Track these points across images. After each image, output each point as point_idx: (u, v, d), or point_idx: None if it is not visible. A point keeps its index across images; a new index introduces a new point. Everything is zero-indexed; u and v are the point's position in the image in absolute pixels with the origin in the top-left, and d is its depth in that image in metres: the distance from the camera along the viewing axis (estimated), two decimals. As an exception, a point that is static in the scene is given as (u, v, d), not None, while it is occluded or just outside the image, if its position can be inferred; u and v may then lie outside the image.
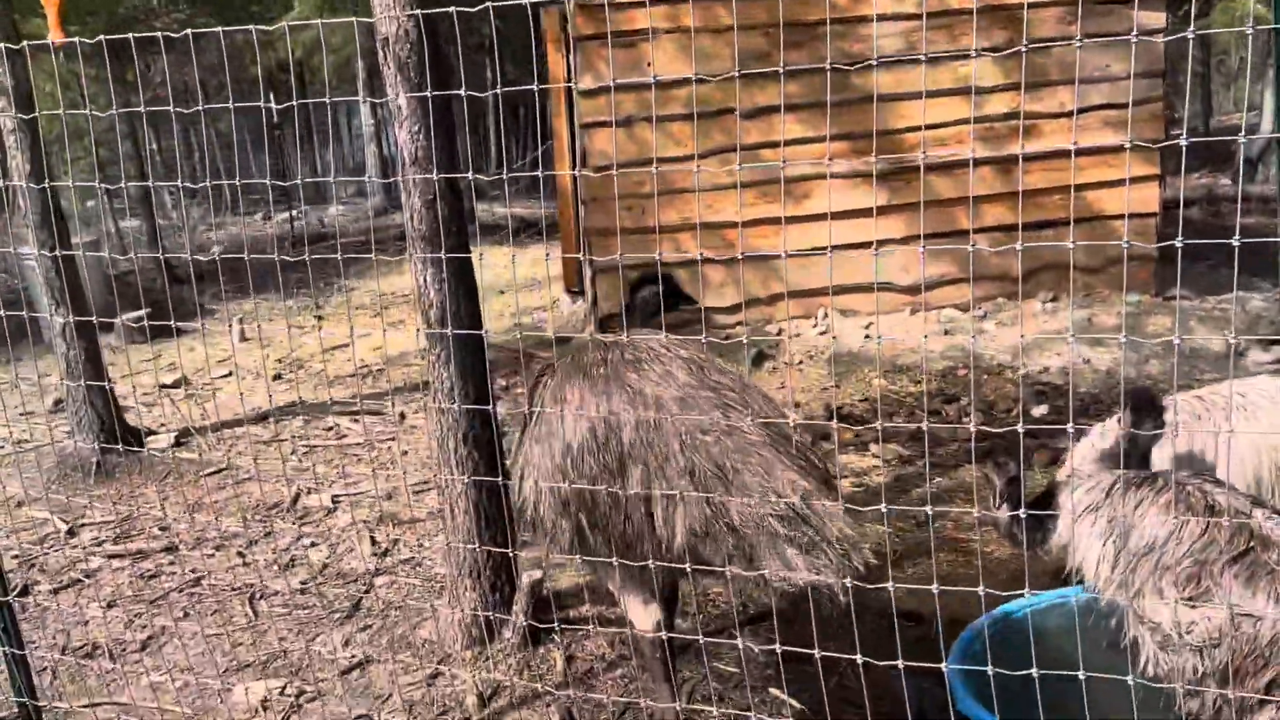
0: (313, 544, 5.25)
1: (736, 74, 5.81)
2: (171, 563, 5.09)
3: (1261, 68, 16.81)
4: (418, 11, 3.62)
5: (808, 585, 2.77)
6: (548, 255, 11.15)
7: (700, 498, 2.79)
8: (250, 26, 3.09)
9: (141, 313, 9.49)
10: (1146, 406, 3.43)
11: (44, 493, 6.01)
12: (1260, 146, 14.46)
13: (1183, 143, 1.97)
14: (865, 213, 8.37)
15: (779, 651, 2.74)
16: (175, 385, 8.32)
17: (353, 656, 4.11)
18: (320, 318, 10.89)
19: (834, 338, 8.28)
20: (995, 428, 2.80)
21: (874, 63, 8.06)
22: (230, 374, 8.57)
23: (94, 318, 6.73)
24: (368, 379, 8.42)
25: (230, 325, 10.06)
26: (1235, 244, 2.06)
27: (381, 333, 9.54)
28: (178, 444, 6.85)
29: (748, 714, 3.30)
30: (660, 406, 2.88)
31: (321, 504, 5.73)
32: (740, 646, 2.91)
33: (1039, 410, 6.56)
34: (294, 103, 3.20)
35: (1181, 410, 3.94)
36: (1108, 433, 4.09)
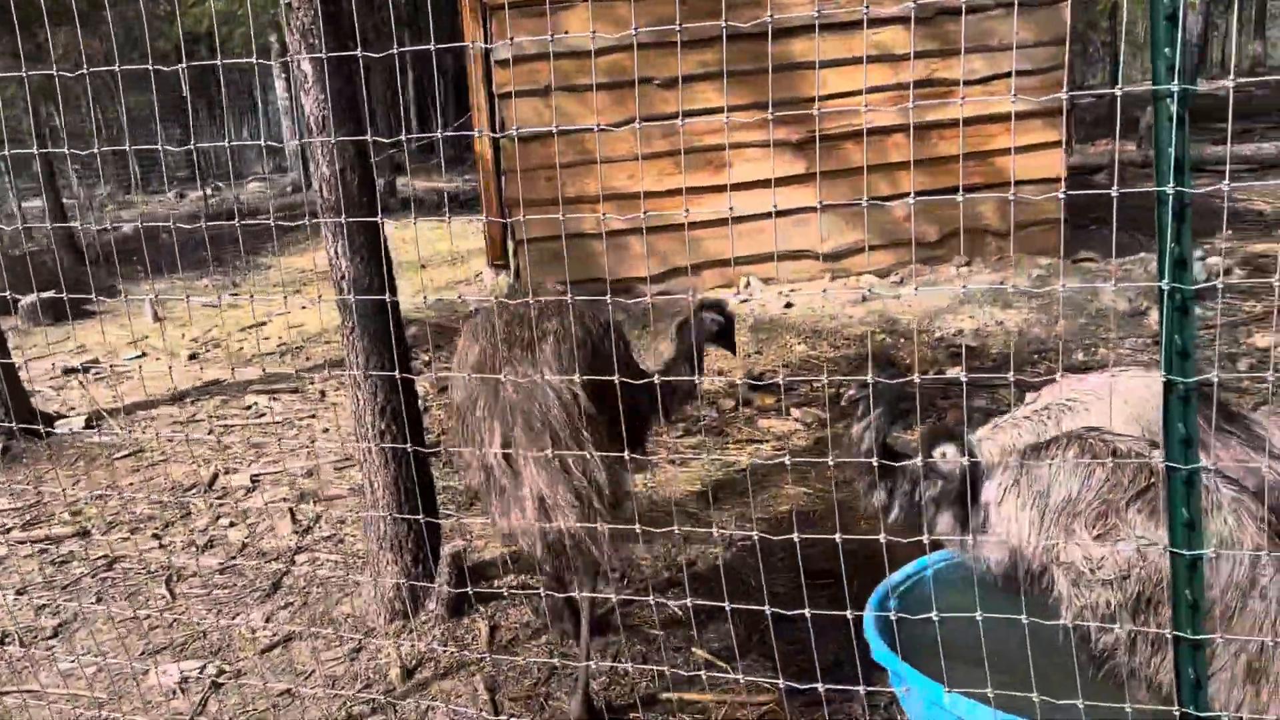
0: (231, 524, 5.17)
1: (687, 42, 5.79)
2: (84, 548, 4.97)
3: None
4: (320, -24, 3.55)
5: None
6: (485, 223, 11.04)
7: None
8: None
9: (40, 296, 9.18)
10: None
11: (-54, 481, 5.81)
12: (1164, 112, 14.91)
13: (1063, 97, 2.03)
14: (784, 181, 8.45)
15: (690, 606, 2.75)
16: (84, 369, 8.08)
17: (274, 634, 4.07)
18: (237, 295, 10.65)
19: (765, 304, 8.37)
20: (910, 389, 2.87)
21: (818, 23, 8.11)
22: (143, 355, 8.35)
23: (-6, 299, 6.49)
24: (287, 356, 8.28)
25: (145, 305, 9.79)
26: (1113, 193, 2.13)
27: (300, 308, 9.36)
28: (89, 427, 6.66)
29: (675, 672, 3.36)
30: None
31: (240, 484, 5.64)
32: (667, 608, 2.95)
33: (952, 371, 6.72)
34: (183, 65, 3.11)
35: (1022, 425, 4.15)
36: (999, 427, 4.25)
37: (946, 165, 8.73)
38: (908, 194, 8.64)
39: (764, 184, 8.56)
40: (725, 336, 3.99)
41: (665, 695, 3.50)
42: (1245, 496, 2.80)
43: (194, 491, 5.58)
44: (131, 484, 5.77)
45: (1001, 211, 8.79)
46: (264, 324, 9.33)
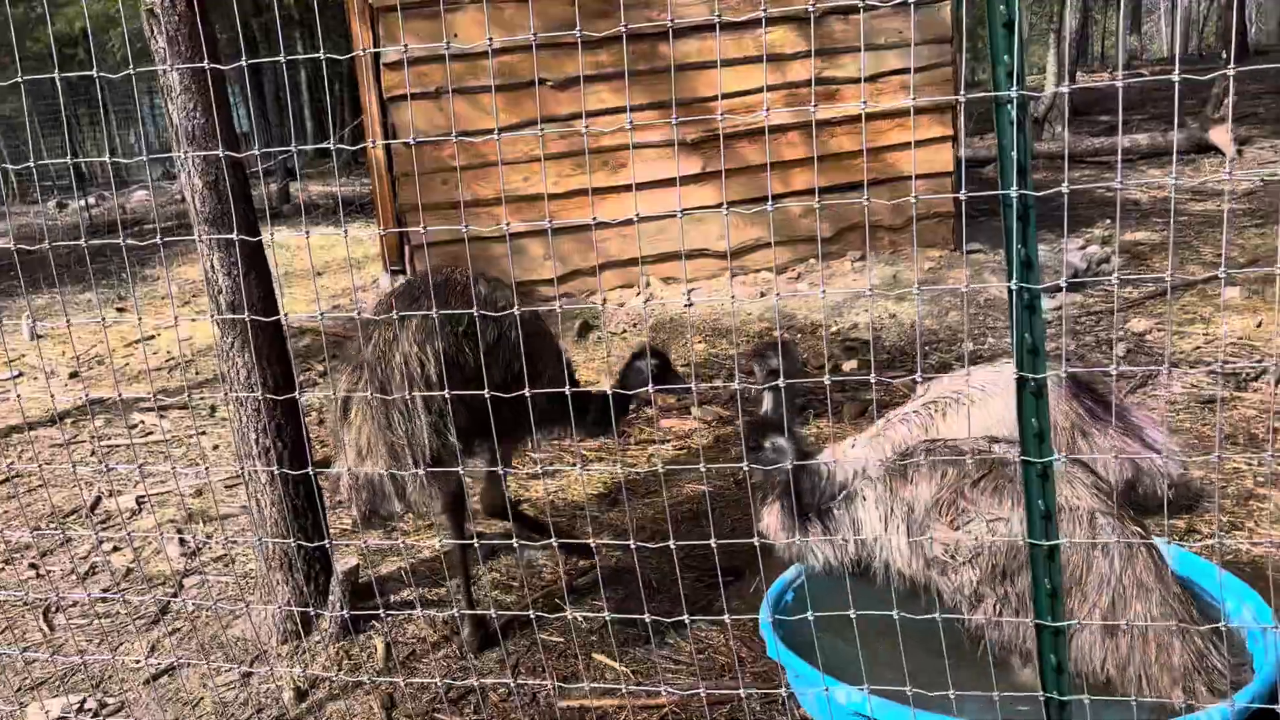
0: (115, 549, 4.97)
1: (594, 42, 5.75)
2: (-46, 582, 4.72)
3: (1047, 31, 17.93)
4: (184, -19, 3.43)
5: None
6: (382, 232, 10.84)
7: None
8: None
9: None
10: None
11: None
12: (1045, 106, 15.45)
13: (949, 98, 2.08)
14: (682, 180, 8.49)
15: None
16: (-43, 390, 7.69)
17: (159, 663, 3.93)
18: (123, 309, 10.27)
19: (663, 303, 8.40)
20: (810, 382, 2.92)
21: (717, 25, 8.15)
22: (20, 375, 7.99)
23: None
24: (176, 372, 8.01)
25: (21, 323, 9.36)
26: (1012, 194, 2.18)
27: (190, 321, 9.06)
28: (-40, 454, 6.34)
29: (575, 684, 3.34)
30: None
31: (125, 506, 5.43)
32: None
33: (849, 365, 6.85)
34: (58, 74, 2.98)
35: (911, 421, 4.29)
36: (890, 422, 4.38)
37: (840, 162, 8.89)
38: (801, 191, 8.78)
39: (662, 184, 8.59)
40: (664, 378, 4.18)
41: (564, 704, 3.49)
42: (1076, 466, 2.99)
43: (74, 517, 5.36)
44: (5, 512, 5.51)
45: (894, 207, 8.99)
46: (152, 338, 9.01)
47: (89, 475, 5.86)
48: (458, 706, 3.53)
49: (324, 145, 2.68)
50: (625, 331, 8.05)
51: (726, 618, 2.80)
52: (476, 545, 4.54)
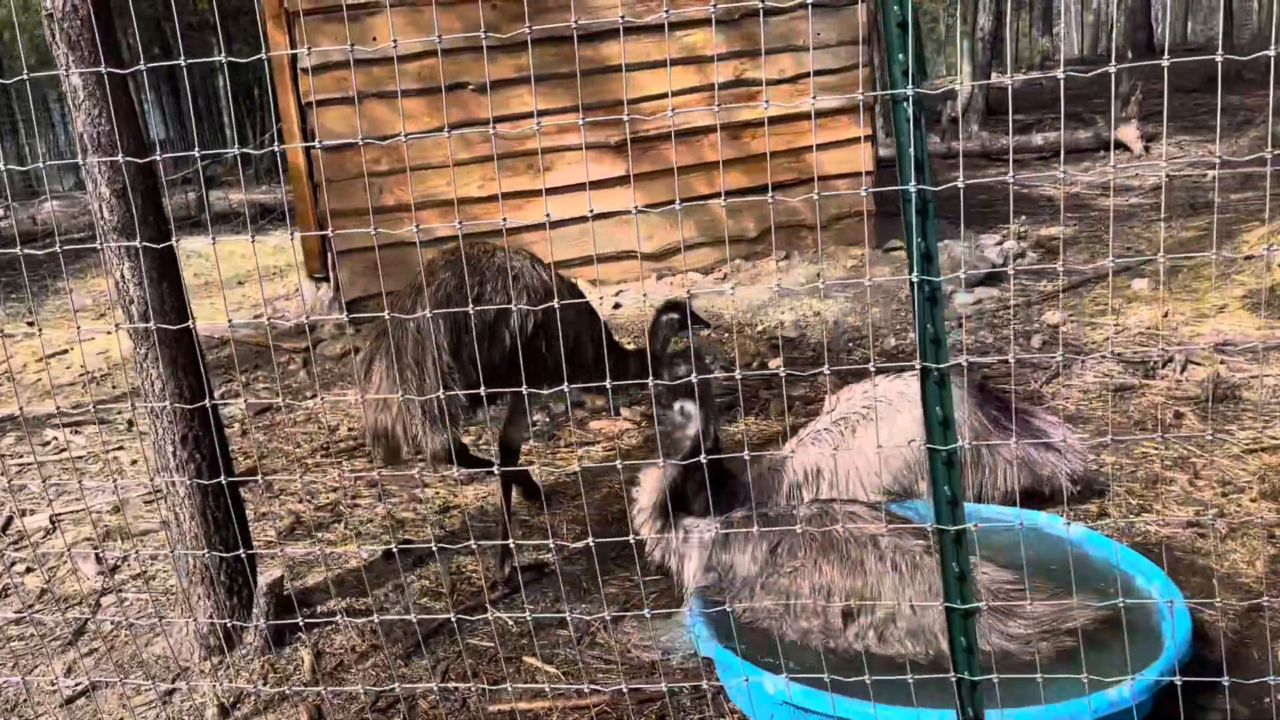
0: (29, 569, 4.82)
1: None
2: None
3: (963, 33, 18.33)
4: (85, -16, 3.35)
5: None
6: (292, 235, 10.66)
7: None
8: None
9: None
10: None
11: None
12: (962, 105, 15.81)
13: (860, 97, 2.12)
14: (605, 183, 8.52)
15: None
16: None
17: (77, 684, 3.82)
18: (34, 322, 9.94)
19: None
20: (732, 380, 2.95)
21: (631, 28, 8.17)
22: (-75, 393, 7.69)
23: None
24: (91, 386, 7.79)
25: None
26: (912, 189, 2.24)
27: (106, 334, 8.82)
28: None
29: (502, 686, 3.34)
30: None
31: (38, 526, 5.27)
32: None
33: (775, 362, 6.94)
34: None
35: (822, 437, 4.40)
36: (802, 442, 4.49)
37: (761, 163, 8.99)
38: (726, 192, 8.85)
39: (585, 186, 8.60)
40: (685, 325, 4.43)
41: (494, 708, 3.48)
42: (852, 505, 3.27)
43: (-15, 538, 5.18)
44: (-88, 535, 5.30)
45: (812, 206, 9.12)
46: (65, 352, 8.75)
47: (0, 494, 5.67)
48: (386, 715, 3.50)
49: (222, 151, 2.64)
50: (553, 334, 8.03)
51: (647, 612, 2.81)
52: (396, 552, 4.51)
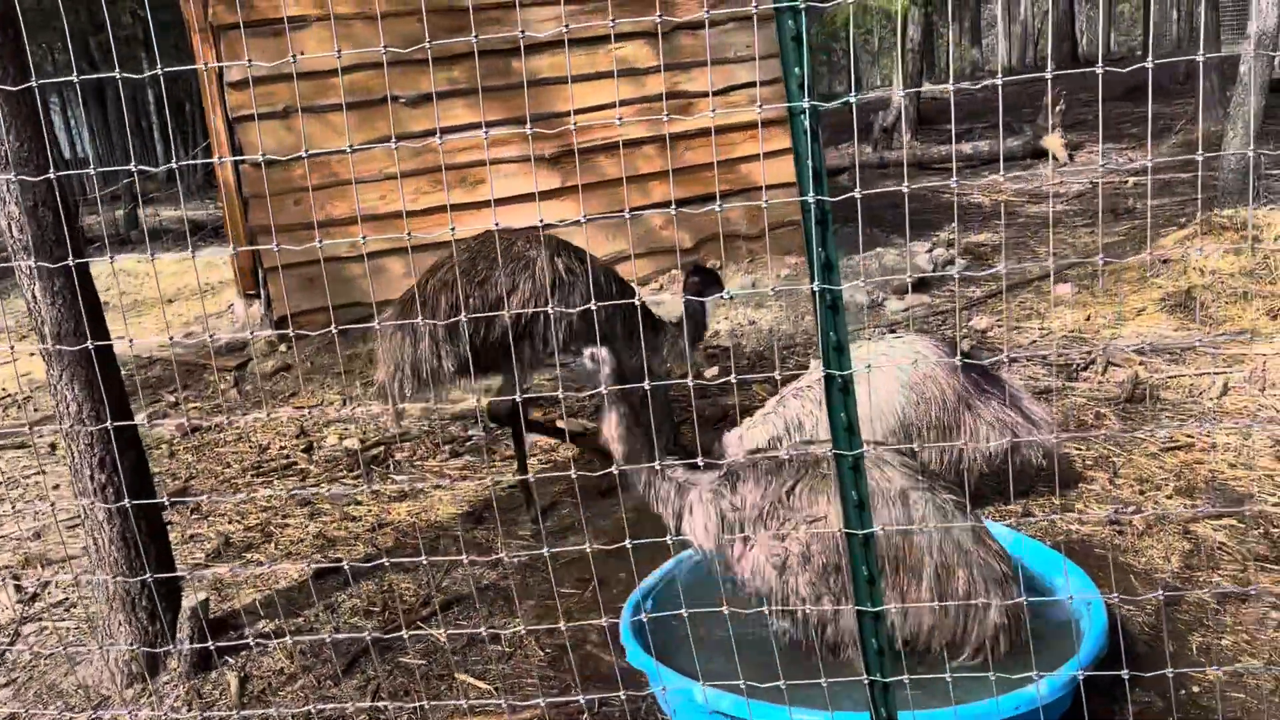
0: (-56, 600, 4.67)
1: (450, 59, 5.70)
2: None
3: (894, 46, 18.64)
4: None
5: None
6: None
7: None
8: None
9: None
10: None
11: None
12: (893, 117, 16.08)
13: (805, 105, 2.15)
14: (542, 195, 8.51)
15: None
16: None
17: (-7, 717, 3.71)
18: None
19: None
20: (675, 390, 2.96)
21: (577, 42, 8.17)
22: None
23: None
24: (12, 409, 7.59)
25: None
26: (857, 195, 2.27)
27: (30, 355, 8.59)
28: None
29: (437, 704, 3.30)
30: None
31: (-45, 554, 5.11)
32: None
33: (710, 371, 6.98)
34: None
35: (766, 420, 4.46)
36: (748, 434, 4.51)
37: (696, 174, 9.06)
38: (660, 204, 8.90)
39: (521, 199, 8.59)
40: (712, 285, 4.94)
41: (426, 725, 3.45)
42: (884, 451, 3.15)
43: (-102, 569, 5.01)
44: None
45: (750, 216, 9.21)
46: (-15, 375, 8.50)
47: (-86, 524, 5.49)
48: (315, 737, 3.45)
49: (145, 169, 2.60)
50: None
51: (563, 625, 2.81)
52: (346, 567, 4.46)
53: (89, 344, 3.21)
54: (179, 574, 4.03)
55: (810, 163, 1.72)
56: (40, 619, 4.42)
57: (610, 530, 4.73)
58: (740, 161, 9.14)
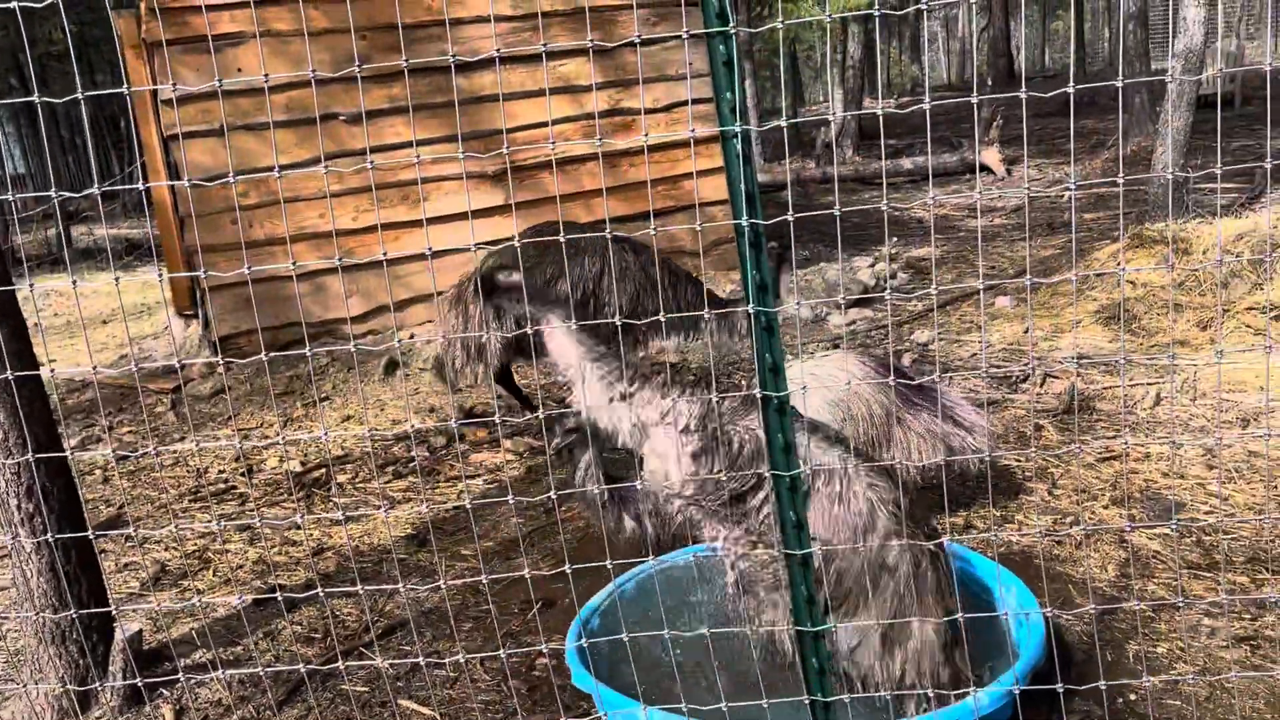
0: None
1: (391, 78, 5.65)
2: None
3: (837, 61, 18.91)
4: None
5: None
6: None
7: None
8: None
9: None
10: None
11: None
12: (835, 132, 16.29)
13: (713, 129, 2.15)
14: (483, 212, 8.48)
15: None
16: None
17: (-86, 759, 3.58)
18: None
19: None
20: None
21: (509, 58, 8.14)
22: None
23: None
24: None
25: None
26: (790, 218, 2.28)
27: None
28: None
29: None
30: None
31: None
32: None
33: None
34: None
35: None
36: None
37: (639, 190, 9.08)
38: (603, 220, 8.91)
39: (464, 216, 8.55)
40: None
41: (368, 755, 3.38)
42: (880, 483, 3.09)
43: None
44: None
45: (693, 232, 9.24)
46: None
47: None
48: (254, 770, 3.37)
49: (70, 195, 2.54)
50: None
51: (502, 653, 2.78)
52: (280, 598, 4.37)
53: (8, 373, 3.12)
54: (109, 610, 3.92)
55: (743, 186, 1.72)
56: (-35, 654, 4.27)
57: (558, 550, 4.71)
58: (684, 178, 9.18)
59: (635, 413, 3.14)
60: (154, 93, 7.85)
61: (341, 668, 2.92)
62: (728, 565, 3.11)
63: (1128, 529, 4.25)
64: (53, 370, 2.74)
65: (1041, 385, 6.10)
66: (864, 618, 2.85)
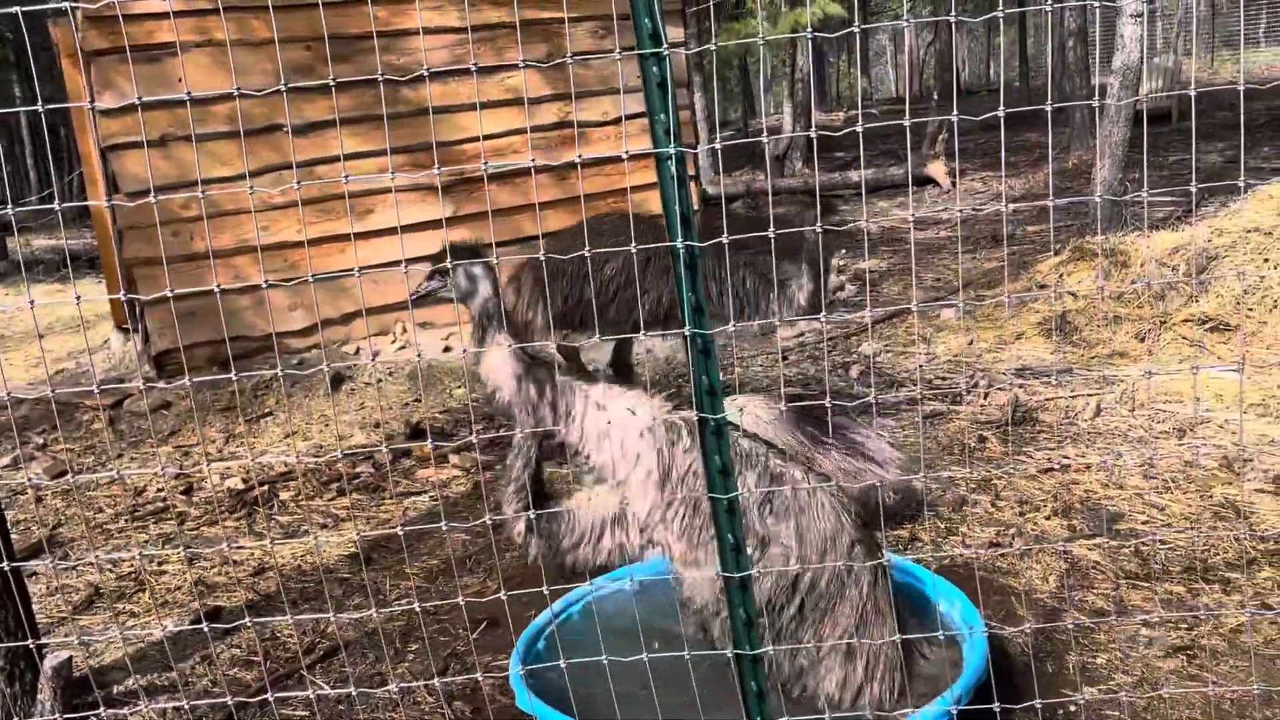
0: None
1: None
2: None
3: (786, 75, 19.08)
4: None
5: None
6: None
7: None
8: None
9: None
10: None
11: None
12: (785, 144, 16.42)
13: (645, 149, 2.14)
14: (430, 225, 8.41)
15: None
16: None
17: None
18: None
19: (419, 353, 8.24)
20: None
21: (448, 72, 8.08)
22: None
23: None
24: None
25: None
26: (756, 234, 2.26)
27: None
28: None
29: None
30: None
31: None
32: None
33: (605, 402, 6.95)
34: None
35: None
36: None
37: (590, 203, 9.07)
38: (553, 232, 8.89)
39: (413, 228, 8.48)
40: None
41: (307, 782, 3.31)
42: (842, 498, 3.12)
43: None
44: None
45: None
46: None
47: None
48: (188, 801, 3.28)
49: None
50: (382, 381, 7.83)
51: (437, 682, 2.74)
52: (207, 629, 4.27)
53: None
54: (50, 632, 3.80)
55: (678, 208, 1.71)
56: (-114, 685, 4.11)
57: (506, 568, 4.65)
58: (636, 190, 9.19)
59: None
60: (91, 103, 7.68)
61: (271, 698, 2.85)
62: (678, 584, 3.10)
63: (1060, 547, 4.31)
64: (45, 380, 2.65)
65: (985, 397, 6.17)
66: (830, 626, 2.87)
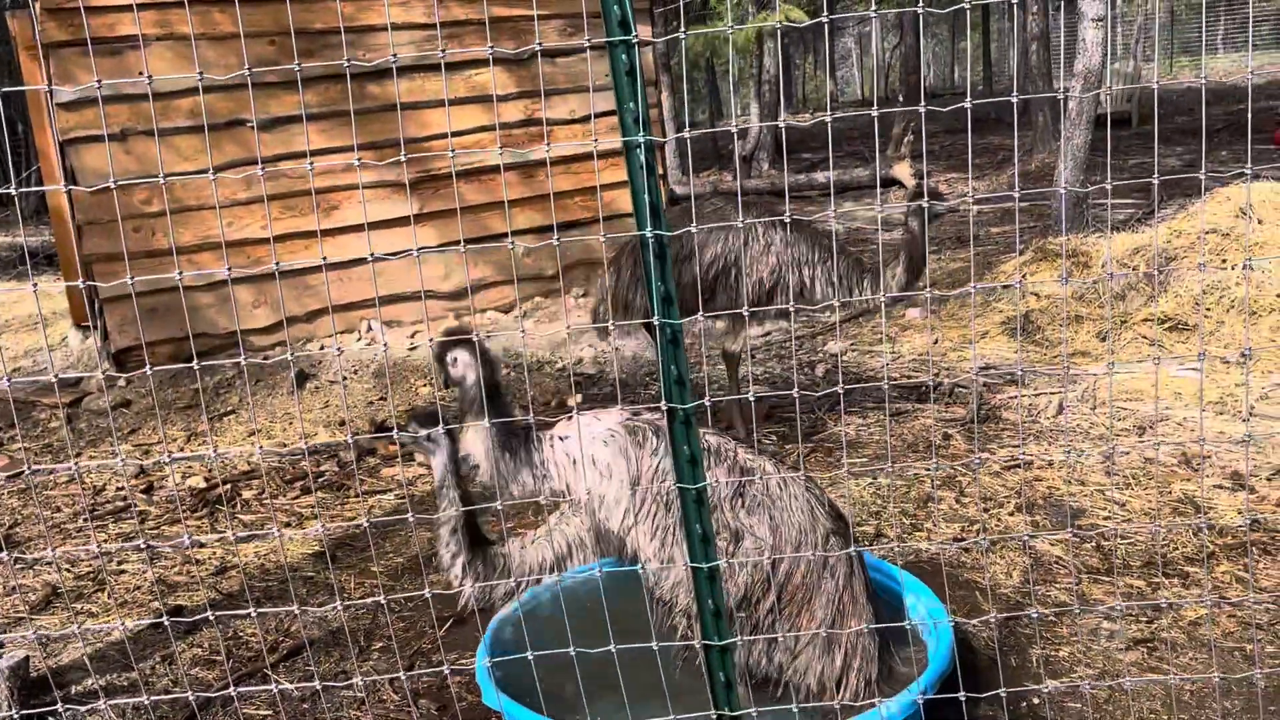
0: None
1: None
2: None
3: (753, 76, 19.13)
4: None
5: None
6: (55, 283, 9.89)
7: None
8: None
9: None
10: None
11: None
12: (751, 145, 16.49)
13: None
14: (397, 222, 8.35)
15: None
16: None
17: None
18: None
19: (385, 346, 8.16)
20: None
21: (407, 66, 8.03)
22: None
23: None
24: None
25: None
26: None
27: None
28: None
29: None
30: None
31: None
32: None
33: (573, 400, 6.95)
34: None
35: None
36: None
37: (558, 201, 9.06)
38: (521, 230, 8.86)
39: (378, 225, 8.42)
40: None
41: (270, 781, 3.27)
42: (814, 490, 3.14)
43: None
44: None
45: (612, 242, 9.24)
46: None
47: None
48: (148, 801, 3.23)
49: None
50: (347, 379, 7.76)
51: (403, 675, 2.72)
52: (168, 624, 4.21)
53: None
54: (19, 620, 3.73)
55: (647, 197, 1.71)
56: None
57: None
58: (604, 189, 9.18)
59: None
60: (49, 96, 7.56)
61: (234, 693, 2.82)
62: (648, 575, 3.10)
63: (1025, 539, 4.35)
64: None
65: (950, 395, 6.22)
66: (806, 619, 2.88)
